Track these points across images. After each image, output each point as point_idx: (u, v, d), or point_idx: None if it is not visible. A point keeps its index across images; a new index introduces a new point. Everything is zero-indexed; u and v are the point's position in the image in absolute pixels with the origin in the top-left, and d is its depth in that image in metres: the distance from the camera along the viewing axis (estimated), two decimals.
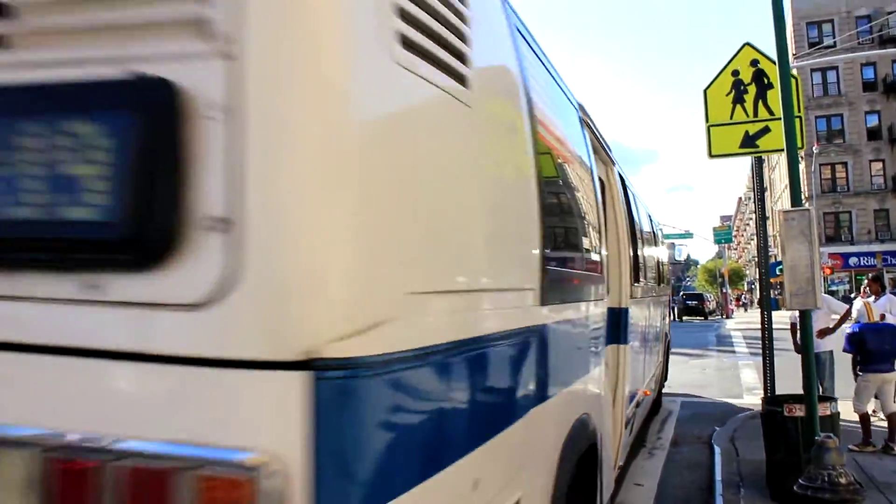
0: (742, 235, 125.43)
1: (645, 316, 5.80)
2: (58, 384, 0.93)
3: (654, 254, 7.58)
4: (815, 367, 5.76)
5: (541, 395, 1.80)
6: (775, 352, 7.76)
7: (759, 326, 8.58)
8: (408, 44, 1.11)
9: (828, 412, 5.76)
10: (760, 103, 7.71)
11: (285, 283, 0.79)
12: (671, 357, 12.22)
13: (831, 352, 8.47)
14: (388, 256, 0.95)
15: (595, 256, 2.85)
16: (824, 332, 8.29)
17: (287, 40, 0.81)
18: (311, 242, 0.80)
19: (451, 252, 1.21)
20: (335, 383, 0.82)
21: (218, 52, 0.86)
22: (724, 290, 52.63)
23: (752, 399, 10.78)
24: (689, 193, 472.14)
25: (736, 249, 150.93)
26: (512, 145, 1.63)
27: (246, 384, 0.82)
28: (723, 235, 48.91)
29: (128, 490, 0.83)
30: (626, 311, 4.16)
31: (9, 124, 0.86)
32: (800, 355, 5.92)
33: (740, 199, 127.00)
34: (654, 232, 8.23)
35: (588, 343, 2.63)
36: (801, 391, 5.77)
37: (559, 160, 2.22)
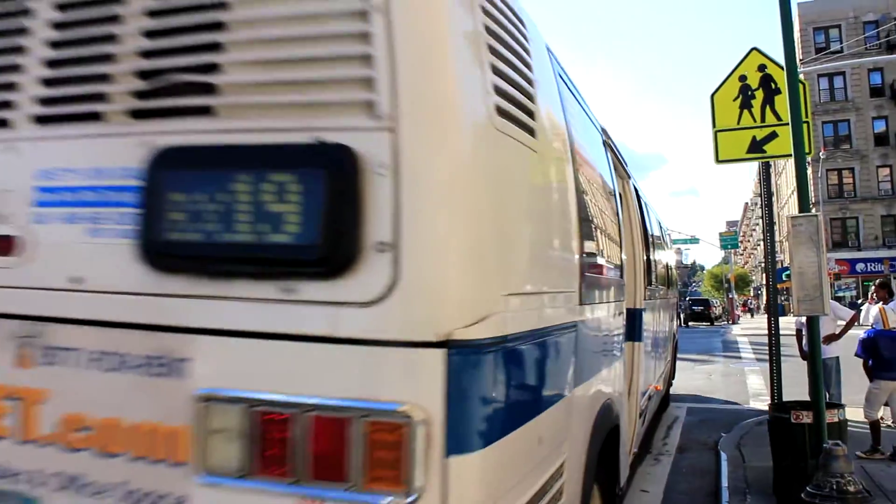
0: (748, 241, 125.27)
1: (656, 317, 6.46)
2: (262, 359, 1.31)
3: (663, 259, 8.36)
4: (822, 374, 5.78)
5: (579, 378, 2.25)
6: (782, 358, 7.77)
7: (766, 332, 8.59)
8: (501, 112, 1.55)
9: (835, 419, 5.78)
10: (768, 108, 7.74)
11: (428, 289, 1.20)
12: (678, 362, 12.95)
13: (837, 358, 8.48)
14: (491, 270, 1.36)
15: (617, 263, 3.39)
16: (830, 339, 8.29)
17: (429, 121, 1.24)
18: (444, 262, 1.21)
19: (527, 264, 1.66)
20: (461, 358, 1.22)
21: (383, 127, 1.31)
22: (731, 296, 52.65)
23: (759, 405, 10.80)
24: (695, 199, 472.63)
25: (742, 255, 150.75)
26: (560, 176, 2.07)
27: (402, 358, 1.22)
28: (729, 241, 48.94)
29: (318, 433, 1.24)
30: (640, 311, 4.81)
31: (230, 175, 1.23)
32: (806, 362, 5.94)
33: (746, 204, 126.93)
34: (663, 238, 9.07)
35: (612, 338, 3.09)
36: (807, 398, 5.79)
37: (591, 183, 2.66)
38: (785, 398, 7.76)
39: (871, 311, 8.93)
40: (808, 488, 4.92)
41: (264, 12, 1.47)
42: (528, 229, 1.74)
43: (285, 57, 1.44)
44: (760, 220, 8.53)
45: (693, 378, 15.27)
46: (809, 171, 50.94)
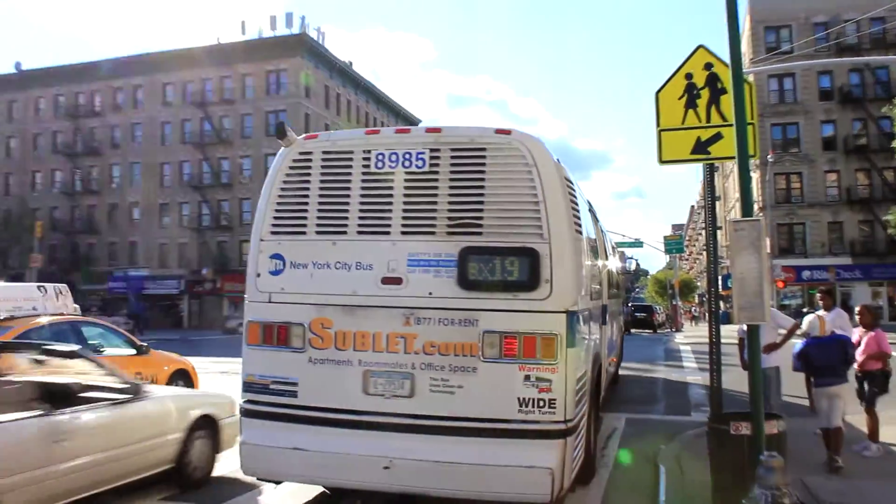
0: (694, 246, 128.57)
1: (612, 311, 11.63)
2: (506, 318, 6.06)
3: (615, 270, 13.58)
4: (761, 383, 5.97)
5: (598, 332, 8.20)
6: (724, 367, 8.01)
7: (708, 341, 8.79)
8: (576, 228, 6.40)
9: (774, 430, 5.97)
10: (713, 108, 7.94)
11: (561, 295, 5.92)
12: (619, 370, 15.38)
13: (777, 368, 8.76)
14: (578, 287, 6.31)
15: (601, 280, 8.86)
16: (771, 348, 8.56)
17: (559, 238, 6.06)
18: (565, 286, 5.98)
19: (587, 284, 7.11)
20: (572, 315, 6.02)
21: (546, 242, 6.22)
22: (675, 303, 53.83)
23: (701, 416, 11.10)
24: (640, 200, 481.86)
25: (687, 260, 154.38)
26: (592, 248, 7.67)
27: (554, 317, 5.97)
28: (674, 245, 49.94)
29: (525, 342, 6.06)
30: (605, 305, 9.88)
31: (491, 256, 6.10)
32: (746, 371, 6.12)
33: (693, 207, 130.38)
34: (614, 253, 15.03)
35: (602, 319, 8.79)
36: (747, 409, 5.97)
37: (597, 243, 8.50)
38: (726, 409, 7.98)
39: (807, 319, 9.24)
40: (743, 501, 5.08)
41: (501, 198, 6.18)
42: (587, 271, 6.72)
43: (508, 213, 6.08)
44: (705, 225, 8.72)
45: (634, 388, 15.61)
46: (756, 175, 52.54)
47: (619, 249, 28.32)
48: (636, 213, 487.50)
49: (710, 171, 8.26)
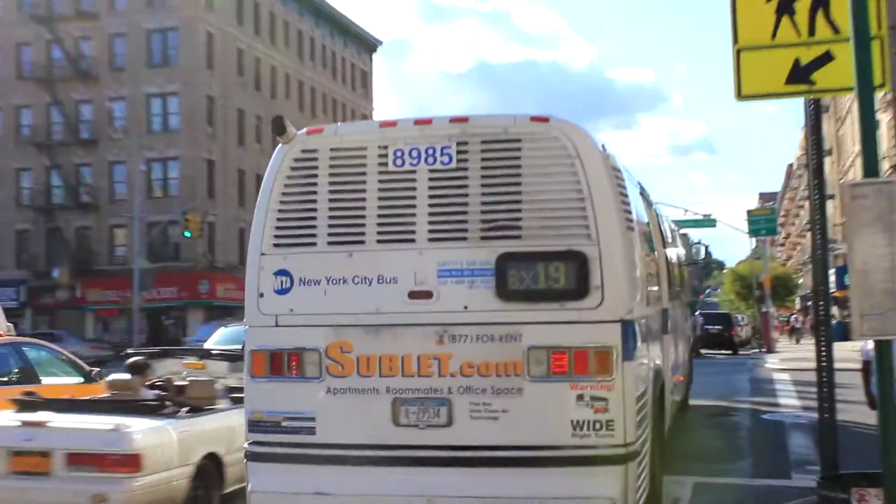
0: (793, 225, 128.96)
1: (675, 316, 13.37)
2: (553, 332, 7.78)
3: (677, 263, 15.28)
4: None
5: (658, 342, 10.50)
6: (842, 406, 8.01)
7: (815, 366, 8.80)
8: (627, 223, 8.37)
9: None
10: (821, 14, 7.86)
11: (613, 303, 7.74)
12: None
13: None
14: (633, 293, 8.29)
15: (662, 277, 11.52)
16: None
17: (608, 238, 7.80)
18: (618, 292, 7.79)
19: (653, 277, 10.36)
20: (627, 325, 7.81)
21: (594, 244, 7.74)
22: (765, 310, 53.95)
23: (806, 480, 10.98)
24: (711, 159, 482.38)
25: (783, 246, 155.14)
26: (646, 242, 9.98)
27: (606, 327, 7.68)
28: (762, 223, 50.04)
29: (576, 357, 7.70)
30: (666, 310, 11.45)
31: (534, 262, 7.83)
32: (874, 411, 6.07)
33: (790, 168, 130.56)
34: (674, 241, 16.28)
35: (663, 327, 11.06)
36: (877, 466, 5.91)
37: (652, 237, 10.98)
38: (844, 468, 7.94)
39: None
40: None
41: (541, 196, 7.92)
42: (642, 273, 8.93)
43: (550, 212, 7.83)
44: (809, 192, 8.69)
45: (705, 437, 15.61)
46: (887, 115, 52.53)
47: (681, 231, 29.31)
48: (704, 178, 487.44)
49: (816, 112, 8.21)
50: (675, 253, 15.40)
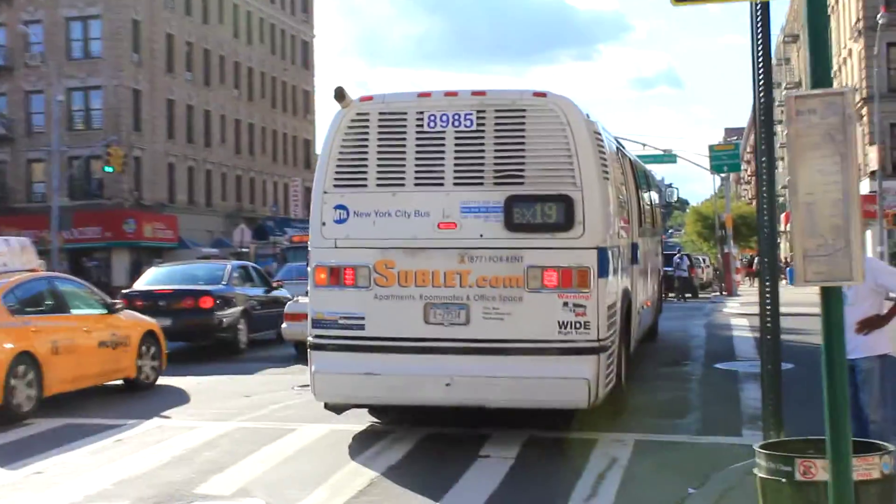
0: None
1: (645, 250, 17.67)
2: (545, 255, 11.37)
3: (649, 205, 20.09)
4: (845, 388, 5.59)
5: (627, 267, 14.58)
6: (798, 355, 7.74)
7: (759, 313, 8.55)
8: (604, 172, 12.18)
9: (874, 473, 5.62)
10: None
11: (592, 234, 11.35)
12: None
13: (883, 357, 8.68)
14: (608, 226, 12.05)
15: (633, 217, 15.98)
16: (869, 325, 8.44)
17: (590, 184, 11.46)
18: (596, 225, 11.44)
19: (625, 216, 14.59)
20: (602, 251, 11.45)
21: (578, 188, 11.33)
22: (727, 250, 54.05)
23: (758, 437, 10.81)
24: (675, 93, 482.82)
25: (749, 185, 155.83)
26: (619, 186, 14.05)
27: (585, 253, 11.31)
28: (725, 159, 49.79)
29: (563, 274, 11.32)
30: (636, 244, 15.62)
31: (533, 203, 11.49)
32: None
33: (757, 104, 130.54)
34: (648, 186, 21.41)
35: (632, 257, 15.21)
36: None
37: (624, 180, 15.17)
38: (795, 426, 7.71)
39: None
40: None
41: (539, 152, 11.43)
42: (614, 213, 12.67)
43: (546, 165, 11.41)
44: (753, 96, 8.38)
45: (652, 388, 15.63)
46: (859, 45, 52.45)
47: (659, 177, 33.50)
48: (669, 112, 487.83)
49: (765, 16, 7.88)
50: (648, 197, 20.54)
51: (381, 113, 11.81)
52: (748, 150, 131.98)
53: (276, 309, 25.61)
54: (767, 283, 8.67)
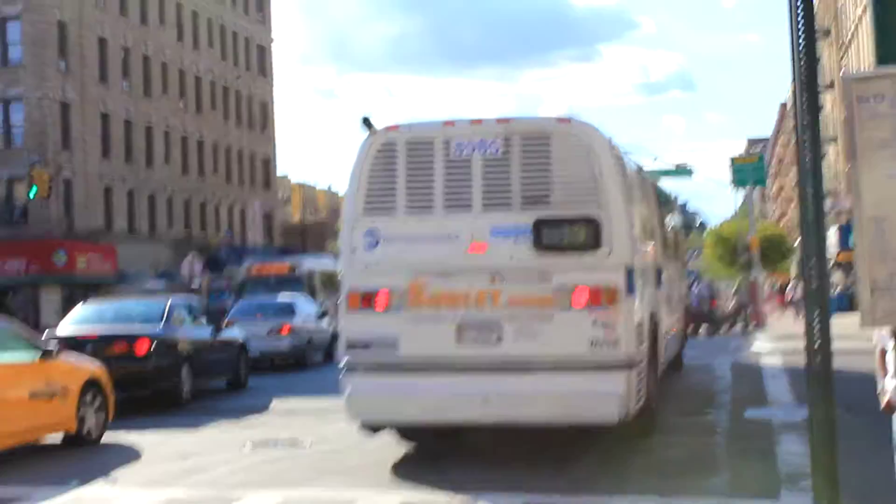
0: (787, 175, 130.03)
1: (668, 274, 21.08)
2: (574, 276, 13.54)
3: (671, 229, 23.65)
4: None
5: (652, 291, 17.55)
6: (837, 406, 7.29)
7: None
8: (629, 194, 14.93)
9: None
10: None
11: (618, 255, 13.71)
12: None
13: None
14: (635, 248, 14.79)
15: (657, 240, 19.48)
16: None
17: (612, 205, 13.67)
18: (622, 248, 13.75)
19: (648, 238, 18.12)
20: (629, 270, 13.84)
21: (601, 209, 13.53)
22: (752, 278, 53.84)
23: (800, 500, 10.76)
24: (688, 98, 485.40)
25: (776, 202, 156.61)
26: (643, 209, 17.57)
27: (613, 273, 13.52)
28: (749, 173, 49.86)
29: (591, 293, 13.41)
30: (660, 268, 18.80)
31: (560, 226, 13.67)
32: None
33: (784, 108, 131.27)
34: (671, 211, 25.31)
35: (657, 279, 18.29)
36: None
37: (647, 204, 18.57)
38: (847, 492, 7.20)
39: None
40: None
41: (565, 177, 13.70)
42: (639, 234, 15.66)
43: (571, 188, 13.70)
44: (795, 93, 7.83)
45: (672, 442, 15.39)
46: None
47: (678, 202, 34.71)
48: (681, 120, 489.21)
49: None
50: (671, 221, 24.03)
51: (407, 141, 13.84)
52: (774, 162, 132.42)
53: (225, 353, 25.14)
54: (816, 312, 8.14)
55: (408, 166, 13.80)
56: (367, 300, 13.60)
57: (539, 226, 13.27)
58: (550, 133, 13.55)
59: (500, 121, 13.92)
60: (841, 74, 47.70)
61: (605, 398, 12.87)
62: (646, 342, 14.64)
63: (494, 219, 13.44)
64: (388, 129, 13.99)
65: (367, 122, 13.82)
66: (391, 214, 13.76)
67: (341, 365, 13.82)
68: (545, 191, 13.45)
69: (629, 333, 13.26)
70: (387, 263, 13.58)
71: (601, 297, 13.10)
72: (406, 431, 15.14)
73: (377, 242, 13.67)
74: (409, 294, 13.38)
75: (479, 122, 14.02)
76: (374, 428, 14.51)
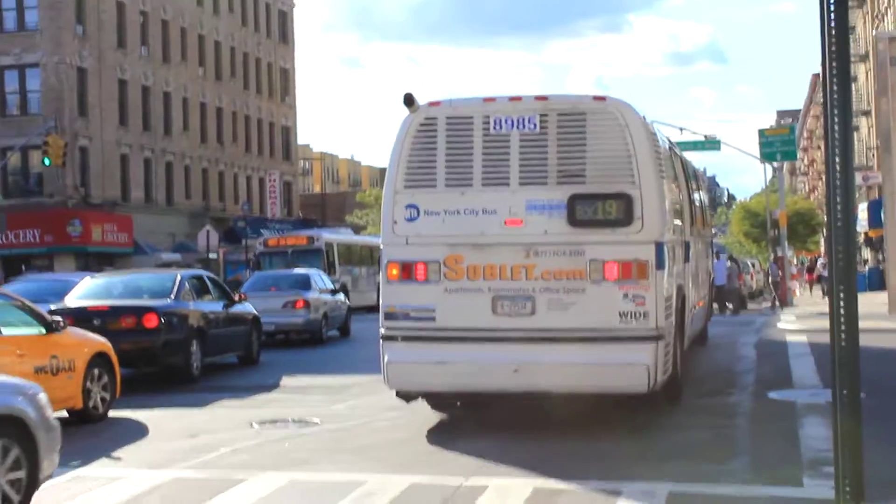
0: (818, 147, 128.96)
1: (696, 249, 22.27)
2: (606, 250, 14.55)
3: (699, 205, 24.84)
4: None
5: (681, 262, 18.67)
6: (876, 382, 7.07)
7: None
8: (660, 169, 15.79)
9: None
10: None
11: (650, 229, 14.51)
12: None
13: None
14: (666, 222, 15.59)
15: (685, 216, 20.27)
16: None
17: (648, 182, 14.62)
18: (654, 221, 14.56)
19: (678, 214, 18.92)
20: (659, 245, 14.66)
21: (636, 185, 14.44)
22: (780, 254, 53.41)
23: (824, 488, 10.57)
24: (718, 70, 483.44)
25: (807, 175, 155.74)
26: (676, 185, 19.18)
27: (644, 247, 14.45)
28: (778, 146, 49.35)
29: (623, 266, 14.39)
30: (688, 242, 19.56)
31: (594, 201, 14.65)
32: None
33: (816, 78, 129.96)
34: (697, 186, 25.30)
35: (685, 254, 19.16)
36: None
37: (680, 180, 19.97)
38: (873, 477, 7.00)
39: None
40: None
41: (599, 153, 14.65)
42: (670, 210, 16.40)
43: (606, 165, 14.66)
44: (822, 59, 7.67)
45: (691, 424, 15.26)
46: None
47: (707, 176, 36.20)
48: (711, 93, 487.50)
49: None
50: (698, 197, 24.51)
51: (448, 117, 14.64)
52: (805, 135, 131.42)
53: (237, 327, 25.02)
54: (842, 291, 7.94)
55: (447, 142, 14.61)
56: (406, 271, 14.45)
57: (573, 201, 14.13)
58: (586, 111, 14.35)
59: (538, 98, 14.70)
60: (875, 34, 47.03)
61: (634, 368, 13.78)
62: (674, 315, 15.37)
63: (530, 194, 14.29)
64: (430, 105, 14.79)
65: (409, 98, 14.50)
66: (431, 188, 14.56)
67: (380, 333, 14.64)
68: (580, 167, 14.30)
69: (658, 306, 14.02)
70: (426, 236, 14.45)
71: (632, 271, 14.00)
72: (436, 403, 16.14)
73: (417, 215, 14.50)
74: (447, 266, 14.24)
75: (518, 98, 14.73)
76: (408, 397, 15.38)
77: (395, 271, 14.53)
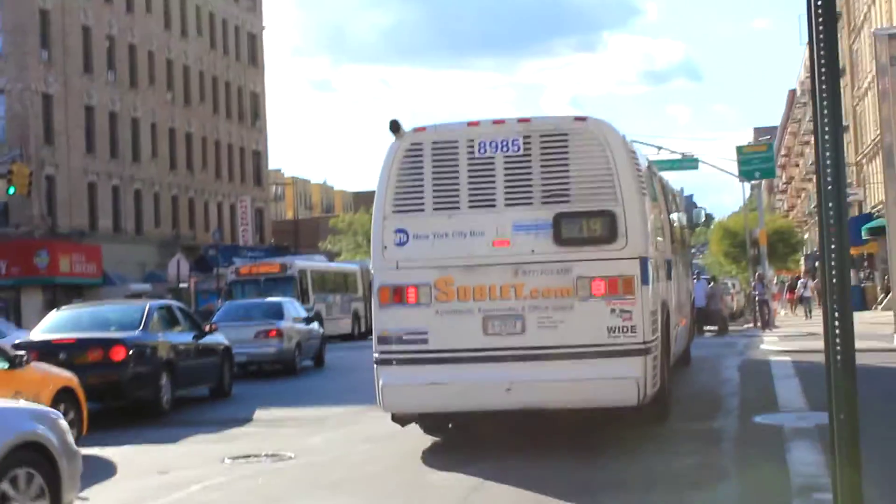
0: (797, 165, 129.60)
1: (678, 268, 23.47)
2: (594, 266, 15.17)
3: (678, 224, 25.67)
4: None
5: (664, 282, 19.66)
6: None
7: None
8: (641, 188, 16.26)
9: None
10: None
11: (634, 245, 15.16)
12: None
13: None
14: (649, 240, 16.43)
15: (666, 233, 21.42)
16: None
17: (630, 199, 15.34)
18: (638, 239, 15.34)
19: (660, 232, 19.86)
20: (644, 260, 15.45)
21: (620, 203, 15.08)
22: (760, 271, 53.40)
23: None
24: (694, 88, 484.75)
25: (785, 193, 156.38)
26: (656, 205, 19.44)
27: (629, 262, 15.15)
28: (757, 163, 49.45)
29: (609, 282, 15.11)
30: (669, 260, 20.61)
31: (579, 219, 15.43)
32: None
33: (793, 94, 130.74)
34: (676, 205, 26.25)
35: (667, 271, 20.37)
36: None
37: (660, 201, 21.04)
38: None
39: None
40: None
41: (582, 172, 15.31)
42: (652, 226, 17.33)
43: (589, 183, 15.36)
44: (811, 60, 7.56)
45: (676, 450, 15.02)
46: None
47: (685, 195, 35.85)
48: (686, 110, 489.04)
49: None
50: (677, 217, 25.37)
51: (433, 142, 15.14)
52: (783, 152, 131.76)
53: (208, 359, 24.79)
54: (837, 306, 7.79)
55: (434, 166, 15.11)
56: (397, 295, 14.87)
57: (559, 220, 14.72)
58: (568, 131, 14.97)
59: (521, 120, 15.30)
60: (874, 31, 47.12)
61: (624, 382, 14.32)
62: (659, 329, 16.09)
63: (516, 215, 14.84)
64: (416, 130, 15.34)
65: (395, 124, 15.04)
66: (419, 213, 15.01)
67: (374, 357, 15.00)
68: (564, 187, 14.91)
69: (645, 320, 14.66)
70: (416, 260, 14.90)
71: (618, 287, 14.58)
72: (430, 426, 16.53)
73: (407, 240, 14.95)
74: (438, 289, 14.67)
75: (501, 122, 15.35)
76: (403, 421, 15.79)
77: (386, 296, 14.95)
